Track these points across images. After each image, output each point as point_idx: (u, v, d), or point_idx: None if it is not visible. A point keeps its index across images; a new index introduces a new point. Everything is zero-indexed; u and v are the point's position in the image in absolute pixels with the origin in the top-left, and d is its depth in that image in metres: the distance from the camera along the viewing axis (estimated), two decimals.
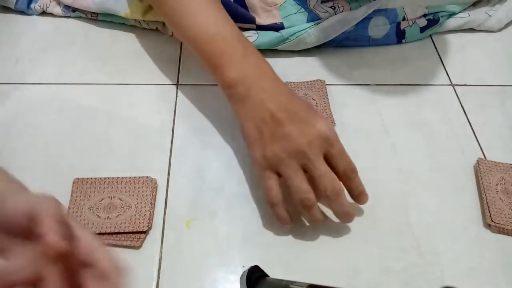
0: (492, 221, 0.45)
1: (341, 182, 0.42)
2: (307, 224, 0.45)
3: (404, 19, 0.61)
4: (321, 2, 0.60)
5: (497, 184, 0.47)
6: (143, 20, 0.61)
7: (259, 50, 0.60)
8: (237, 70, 0.44)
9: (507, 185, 0.47)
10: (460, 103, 0.57)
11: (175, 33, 0.50)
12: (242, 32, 0.58)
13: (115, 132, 0.51)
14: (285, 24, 0.59)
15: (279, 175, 0.42)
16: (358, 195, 0.43)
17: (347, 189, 0.43)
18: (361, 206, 0.46)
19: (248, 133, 0.44)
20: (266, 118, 0.42)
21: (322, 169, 0.40)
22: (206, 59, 0.47)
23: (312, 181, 0.41)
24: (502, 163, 0.49)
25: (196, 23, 0.47)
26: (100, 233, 0.42)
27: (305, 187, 0.41)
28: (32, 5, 0.63)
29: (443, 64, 0.61)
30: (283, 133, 0.41)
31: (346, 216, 0.43)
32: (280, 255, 0.43)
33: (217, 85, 0.56)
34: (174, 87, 0.56)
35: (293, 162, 0.41)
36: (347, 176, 0.42)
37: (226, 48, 0.46)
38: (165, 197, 0.46)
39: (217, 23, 0.47)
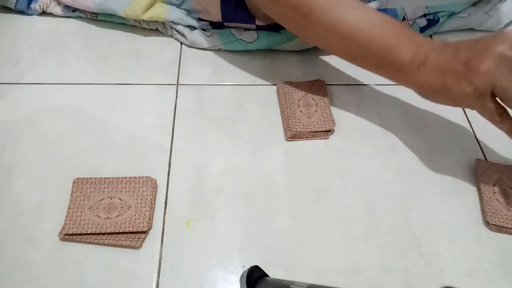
0: (487, 223, 0.45)
1: None
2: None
3: (404, 19, 0.61)
4: None
5: (494, 185, 0.47)
6: (143, 20, 0.61)
7: (259, 50, 0.60)
8: (414, 44, 0.45)
9: (504, 186, 0.47)
10: None
11: (331, 31, 0.48)
12: (247, 32, 0.59)
13: (115, 132, 0.51)
14: None
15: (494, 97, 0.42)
16: None
17: None
18: (361, 206, 0.46)
19: (442, 84, 0.43)
20: (457, 58, 0.42)
21: None
22: (376, 43, 0.46)
23: None
24: (500, 164, 0.49)
25: (364, 14, 0.47)
26: (100, 233, 0.42)
27: None
28: (32, 5, 0.63)
29: None
30: (482, 57, 0.40)
31: None
32: (280, 255, 0.43)
33: (217, 85, 0.57)
34: (174, 87, 0.56)
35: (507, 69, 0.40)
36: None
37: (398, 30, 0.46)
38: (165, 197, 0.46)
39: (378, 13, 0.47)
